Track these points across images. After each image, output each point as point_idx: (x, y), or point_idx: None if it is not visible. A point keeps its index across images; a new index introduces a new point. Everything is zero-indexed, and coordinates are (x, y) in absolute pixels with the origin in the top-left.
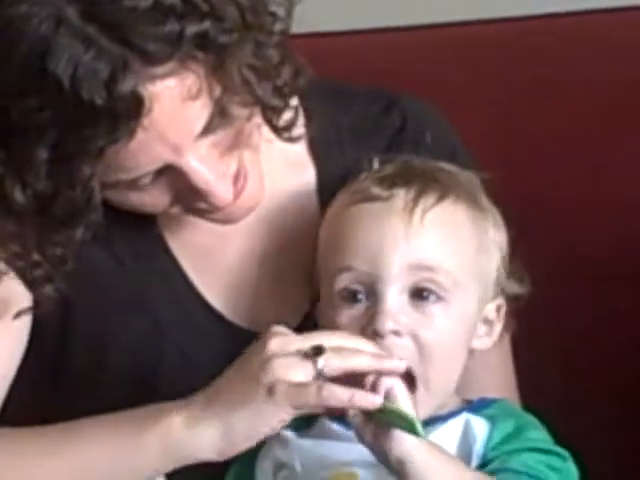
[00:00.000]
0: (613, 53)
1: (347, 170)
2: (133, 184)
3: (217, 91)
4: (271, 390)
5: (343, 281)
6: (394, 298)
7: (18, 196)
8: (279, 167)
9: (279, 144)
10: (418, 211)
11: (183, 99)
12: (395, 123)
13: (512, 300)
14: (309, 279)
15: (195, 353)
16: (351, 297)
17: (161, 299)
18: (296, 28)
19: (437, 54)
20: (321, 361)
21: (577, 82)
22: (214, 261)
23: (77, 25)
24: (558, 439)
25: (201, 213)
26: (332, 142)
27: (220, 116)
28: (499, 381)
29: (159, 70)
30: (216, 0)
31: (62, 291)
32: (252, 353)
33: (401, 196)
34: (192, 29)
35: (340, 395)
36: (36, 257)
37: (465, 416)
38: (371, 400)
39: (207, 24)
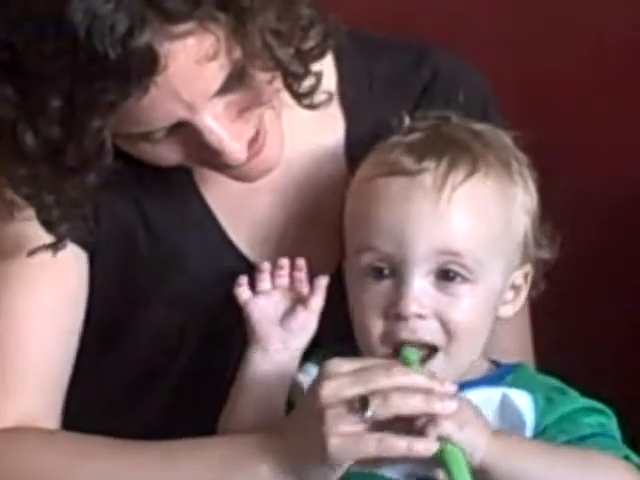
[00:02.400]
0: None
1: (377, 125)
2: (146, 137)
3: (237, 53)
4: (330, 445)
5: (366, 259)
6: (419, 280)
7: (29, 141)
8: (308, 121)
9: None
10: (447, 190)
11: (199, 60)
12: (426, 76)
13: (542, 264)
14: (336, 236)
15: (225, 306)
16: (376, 274)
17: (196, 252)
18: None
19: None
20: (369, 412)
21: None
22: (246, 215)
23: None
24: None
25: (217, 168)
26: (363, 95)
27: (238, 78)
28: (519, 343)
29: (177, 28)
30: None
31: (78, 233)
32: (307, 403)
33: (430, 170)
34: None
35: (399, 446)
36: (49, 199)
37: (501, 390)
38: (428, 447)
39: None
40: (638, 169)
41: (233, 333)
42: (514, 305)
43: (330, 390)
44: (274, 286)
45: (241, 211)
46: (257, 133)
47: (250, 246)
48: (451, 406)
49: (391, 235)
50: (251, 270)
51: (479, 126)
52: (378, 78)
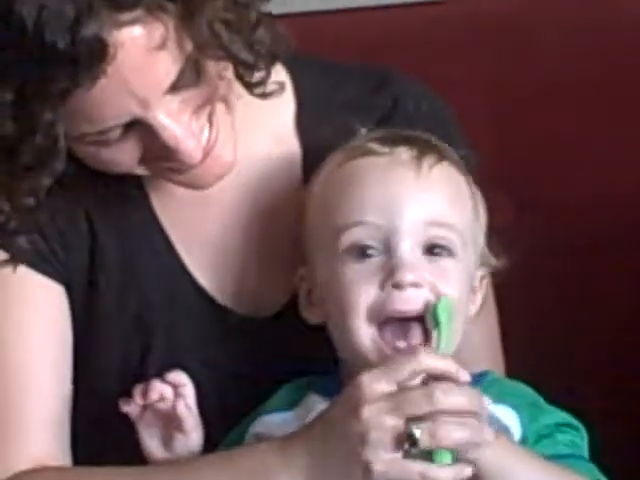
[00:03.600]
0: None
1: (334, 144)
2: (101, 138)
3: (187, 46)
4: (376, 471)
5: (353, 236)
6: (413, 253)
7: None
8: (264, 138)
9: (265, 115)
10: (424, 166)
11: (149, 49)
12: (387, 102)
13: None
14: (295, 253)
15: (181, 333)
16: (361, 253)
17: (151, 276)
18: (285, 8)
19: (425, 31)
20: (417, 449)
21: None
22: (200, 238)
23: None
24: None
25: (169, 174)
26: (321, 116)
27: (191, 72)
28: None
29: (125, 16)
30: None
31: (36, 244)
32: (344, 422)
33: (404, 151)
34: None
35: (443, 477)
36: (5, 207)
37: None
38: (466, 473)
39: None
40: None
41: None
42: (473, 306)
43: (371, 414)
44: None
45: (196, 233)
46: (209, 131)
47: (205, 274)
48: (491, 435)
49: (380, 207)
50: (206, 301)
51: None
52: (337, 104)
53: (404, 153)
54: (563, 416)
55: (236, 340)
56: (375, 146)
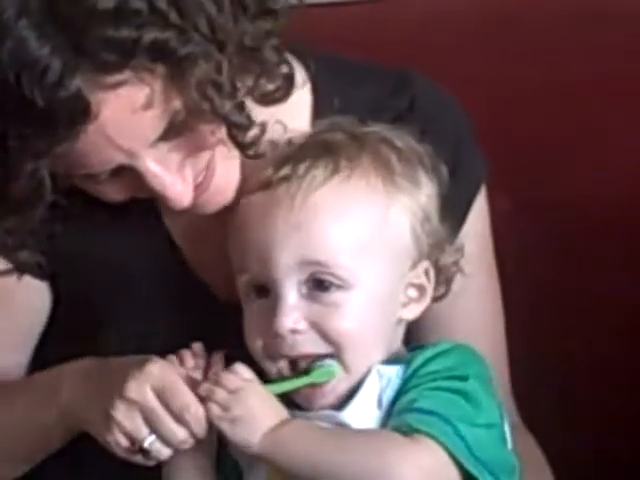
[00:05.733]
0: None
1: None
2: (89, 178)
3: (176, 104)
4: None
5: (243, 280)
6: (291, 294)
7: None
8: (279, 137)
9: (281, 113)
10: (299, 196)
11: (134, 110)
12: (403, 105)
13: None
14: None
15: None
16: (256, 292)
17: (152, 275)
18: None
19: (432, 24)
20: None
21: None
22: (204, 237)
23: (38, 20)
24: None
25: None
26: (337, 114)
27: (179, 129)
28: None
29: (111, 79)
30: (189, 11)
31: (38, 259)
32: (121, 380)
33: (287, 179)
34: (150, 37)
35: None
36: (6, 225)
37: (375, 368)
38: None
39: (169, 34)
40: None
41: None
42: (420, 303)
43: (139, 391)
44: None
45: (204, 244)
46: (205, 170)
47: (208, 269)
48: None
49: (255, 254)
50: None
51: (371, 128)
52: (355, 104)
53: (284, 184)
54: (451, 370)
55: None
56: (266, 173)
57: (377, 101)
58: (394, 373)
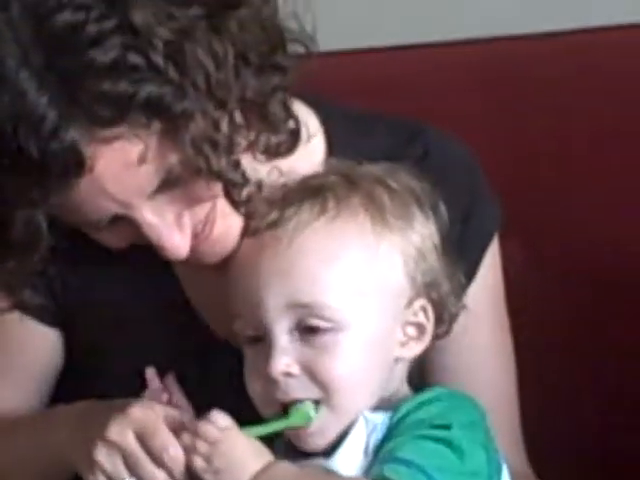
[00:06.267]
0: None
1: None
2: (88, 225)
3: (171, 159)
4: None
5: (237, 327)
6: (283, 338)
7: None
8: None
9: (293, 162)
10: (285, 240)
11: (128, 164)
12: (417, 154)
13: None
14: None
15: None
16: (252, 338)
17: (156, 313)
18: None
19: (442, 73)
20: None
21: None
22: (208, 277)
23: (38, 71)
24: None
25: None
26: None
27: (174, 183)
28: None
29: (105, 132)
30: (187, 67)
31: (41, 300)
32: (104, 422)
33: (274, 224)
34: (146, 92)
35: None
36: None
37: (362, 415)
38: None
39: (165, 89)
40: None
41: None
42: (420, 342)
43: (120, 435)
44: None
45: (207, 284)
46: (204, 221)
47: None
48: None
49: (246, 300)
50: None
51: (366, 169)
52: (368, 156)
53: (271, 230)
54: (438, 418)
55: None
56: (256, 220)
57: (390, 152)
58: (380, 420)
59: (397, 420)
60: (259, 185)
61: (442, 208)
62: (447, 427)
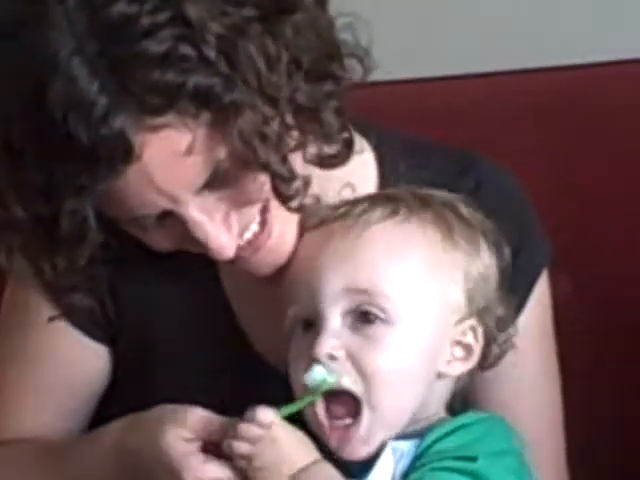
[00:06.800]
0: None
1: None
2: (136, 223)
3: (220, 153)
4: None
5: (292, 312)
6: (334, 322)
7: (20, 215)
8: None
9: (346, 192)
10: (357, 229)
11: (176, 154)
12: (470, 186)
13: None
14: None
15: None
16: (303, 326)
17: (204, 334)
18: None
19: (497, 102)
20: None
21: None
22: (258, 299)
23: (90, 59)
24: None
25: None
26: None
27: (223, 178)
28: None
29: (154, 121)
30: (239, 63)
31: (91, 303)
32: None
33: (344, 215)
34: (195, 82)
35: None
36: (47, 267)
37: (388, 444)
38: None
39: (215, 80)
40: None
41: None
42: (465, 363)
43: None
44: None
45: (257, 306)
46: (260, 226)
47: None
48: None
49: (305, 282)
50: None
51: (438, 192)
52: (425, 180)
53: (341, 220)
54: (464, 449)
55: None
56: (326, 212)
57: (442, 183)
58: (407, 448)
59: (423, 449)
60: (307, 181)
61: (506, 250)
62: (473, 459)
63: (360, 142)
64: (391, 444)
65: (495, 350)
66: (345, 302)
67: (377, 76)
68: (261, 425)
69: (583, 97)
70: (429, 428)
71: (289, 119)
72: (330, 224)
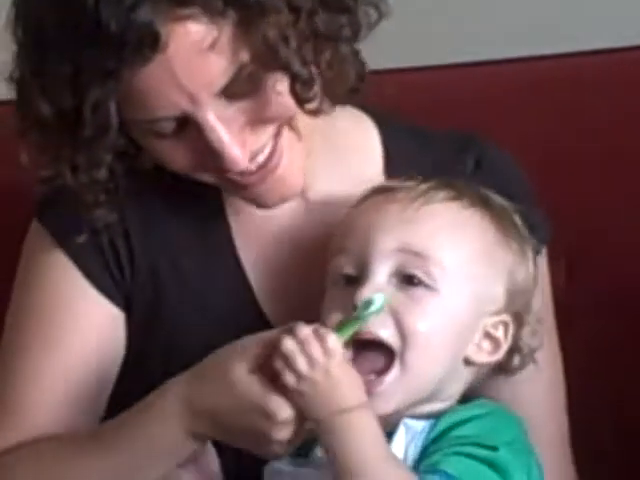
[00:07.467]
0: None
1: None
2: (154, 128)
3: (244, 54)
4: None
5: (336, 263)
6: (380, 276)
7: (45, 109)
8: (349, 181)
9: (353, 161)
10: (419, 202)
11: (201, 49)
12: (470, 166)
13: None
14: None
15: None
16: (344, 281)
17: (220, 305)
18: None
19: (500, 91)
20: None
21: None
22: (271, 269)
23: None
24: None
25: (231, 187)
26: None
27: (246, 80)
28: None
29: (182, 11)
30: None
31: (114, 218)
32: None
33: (410, 187)
34: None
35: None
36: (71, 180)
37: (402, 422)
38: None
39: None
40: None
41: None
42: (490, 356)
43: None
44: None
45: (268, 265)
46: (272, 151)
47: (270, 301)
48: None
49: (359, 235)
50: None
51: (494, 196)
52: (425, 166)
53: (406, 190)
54: (482, 437)
55: None
56: (392, 182)
57: (445, 163)
58: (420, 429)
59: (440, 432)
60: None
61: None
62: (494, 448)
63: (364, 119)
64: (405, 423)
65: (516, 360)
66: (395, 261)
67: (382, 65)
68: (326, 350)
69: (587, 84)
70: (443, 412)
71: (308, 32)
72: (394, 192)
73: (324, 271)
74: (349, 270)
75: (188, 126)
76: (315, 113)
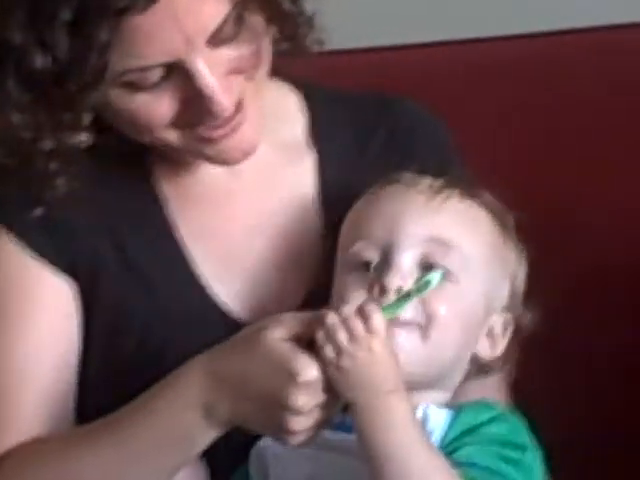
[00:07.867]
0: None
1: (346, 156)
2: (141, 77)
3: None
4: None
5: (356, 250)
6: (405, 263)
7: (38, 60)
8: (275, 147)
9: (277, 126)
10: (442, 196)
11: None
12: (389, 123)
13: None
14: (310, 278)
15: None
16: (363, 268)
17: (165, 287)
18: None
19: (445, 72)
20: None
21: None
22: (216, 248)
23: None
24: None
25: (197, 145)
26: (332, 130)
27: (234, 23)
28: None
29: None
30: None
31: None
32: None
33: (428, 181)
34: None
35: None
36: (49, 144)
37: (423, 407)
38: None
39: None
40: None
41: None
42: (487, 352)
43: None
44: None
45: (212, 248)
46: (239, 103)
47: (220, 282)
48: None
49: (384, 221)
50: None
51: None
52: (346, 121)
53: (426, 182)
54: (507, 436)
55: None
56: (404, 176)
57: (365, 121)
58: (443, 417)
59: (471, 427)
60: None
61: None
62: (523, 448)
63: (291, 88)
64: (426, 410)
65: (500, 361)
66: (421, 249)
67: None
68: (370, 327)
69: (548, 64)
70: (457, 405)
71: None
72: (415, 184)
73: (266, 238)
74: (370, 255)
75: (172, 75)
76: (302, 51)
